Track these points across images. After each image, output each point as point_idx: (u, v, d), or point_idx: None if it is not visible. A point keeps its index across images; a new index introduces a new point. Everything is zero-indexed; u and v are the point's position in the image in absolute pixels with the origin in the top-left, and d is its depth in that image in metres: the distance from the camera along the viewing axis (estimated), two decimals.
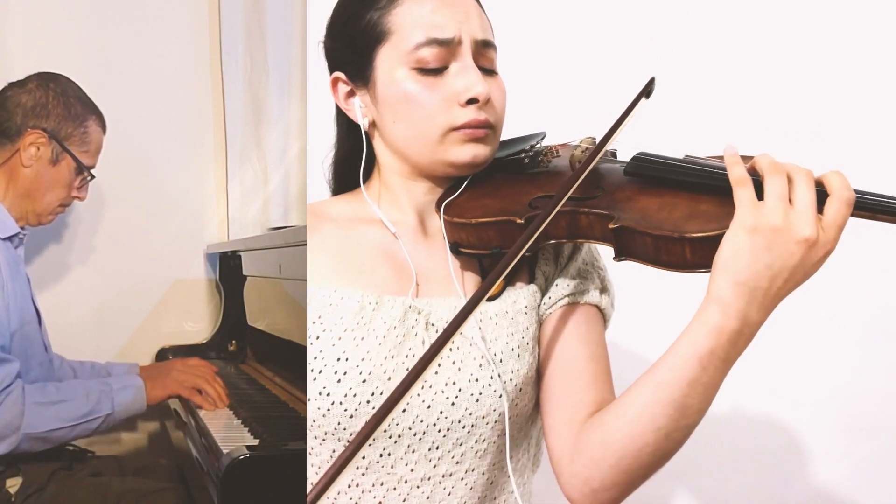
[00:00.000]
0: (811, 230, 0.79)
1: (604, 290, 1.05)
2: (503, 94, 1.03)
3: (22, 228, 1.71)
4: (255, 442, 1.37)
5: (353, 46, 1.02)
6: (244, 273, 2.10)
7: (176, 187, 2.27)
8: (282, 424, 1.48)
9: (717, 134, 1.73)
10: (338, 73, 1.04)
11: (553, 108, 1.70)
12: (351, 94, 1.04)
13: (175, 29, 2.25)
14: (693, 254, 0.85)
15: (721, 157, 0.90)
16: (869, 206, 0.84)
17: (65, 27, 2.15)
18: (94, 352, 1.96)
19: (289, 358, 1.71)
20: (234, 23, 2.25)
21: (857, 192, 0.83)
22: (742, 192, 0.82)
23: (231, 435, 1.43)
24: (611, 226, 0.89)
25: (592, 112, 1.75)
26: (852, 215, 0.83)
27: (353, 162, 1.08)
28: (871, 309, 1.87)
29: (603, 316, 1.05)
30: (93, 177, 1.79)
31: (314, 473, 0.98)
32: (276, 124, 2.26)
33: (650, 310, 1.69)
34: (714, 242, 0.82)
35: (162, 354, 2.17)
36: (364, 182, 1.07)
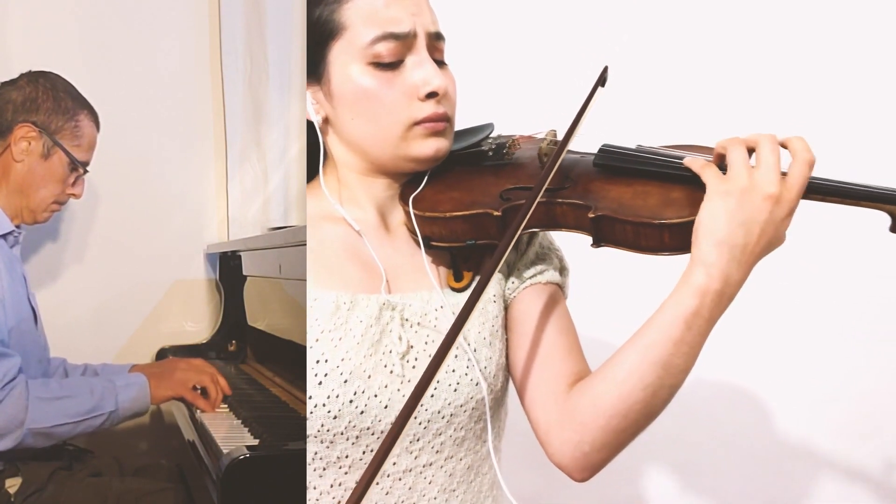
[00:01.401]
0: (775, 187, 0.87)
1: (562, 269, 1.09)
2: (455, 85, 1.04)
3: (17, 227, 1.71)
4: (255, 442, 1.37)
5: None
6: (244, 273, 2.10)
7: (176, 187, 2.27)
8: (282, 424, 1.48)
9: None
10: None
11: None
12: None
13: (175, 29, 2.25)
14: (671, 238, 0.91)
15: (672, 146, 0.98)
16: (820, 190, 0.92)
17: (65, 27, 2.15)
18: (93, 352, 1.96)
19: (289, 358, 1.71)
20: (234, 23, 2.26)
21: (812, 177, 0.90)
22: (708, 171, 0.90)
23: (231, 435, 1.43)
24: (590, 215, 0.93)
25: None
26: (808, 199, 0.91)
27: (314, 155, 1.07)
28: (871, 309, 1.87)
29: (563, 293, 1.09)
30: (86, 171, 1.79)
31: None
32: (276, 124, 2.26)
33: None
34: (690, 227, 0.89)
35: (162, 354, 2.17)
36: (318, 174, 1.07)
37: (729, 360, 1.86)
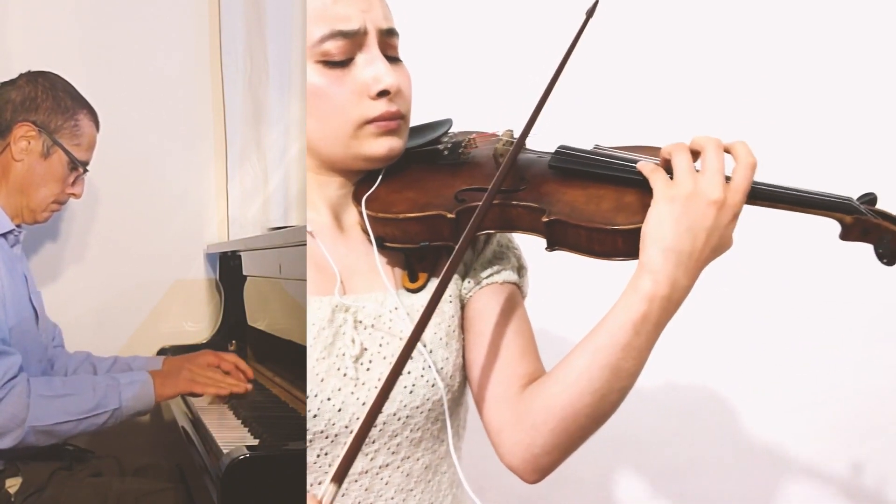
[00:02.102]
0: (719, 192, 0.87)
1: (520, 268, 1.09)
2: (409, 81, 1.03)
3: (17, 226, 1.71)
4: (255, 442, 1.37)
5: None
6: (244, 273, 2.10)
7: (176, 187, 2.27)
8: (282, 424, 1.49)
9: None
10: None
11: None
12: None
13: (175, 29, 2.25)
14: (624, 243, 0.91)
15: (628, 148, 0.99)
16: (766, 196, 0.93)
17: (65, 27, 2.15)
18: (93, 351, 1.96)
19: (289, 358, 1.71)
20: (234, 23, 2.25)
21: (758, 183, 0.92)
22: (656, 176, 0.90)
23: (231, 435, 1.43)
24: (544, 219, 0.93)
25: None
26: (756, 205, 0.93)
27: None
28: (871, 309, 1.87)
29: (521, 292, 1.09)
30: (86, 171, 1.79)
31: None
32: (276, 124, 2.25)
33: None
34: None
35: (162, 354, 2.17)
36: None
37: (710, 365, 1.87)
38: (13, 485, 1.53)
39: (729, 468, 1.93)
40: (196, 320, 2.30)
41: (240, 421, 1.55)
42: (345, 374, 0.96)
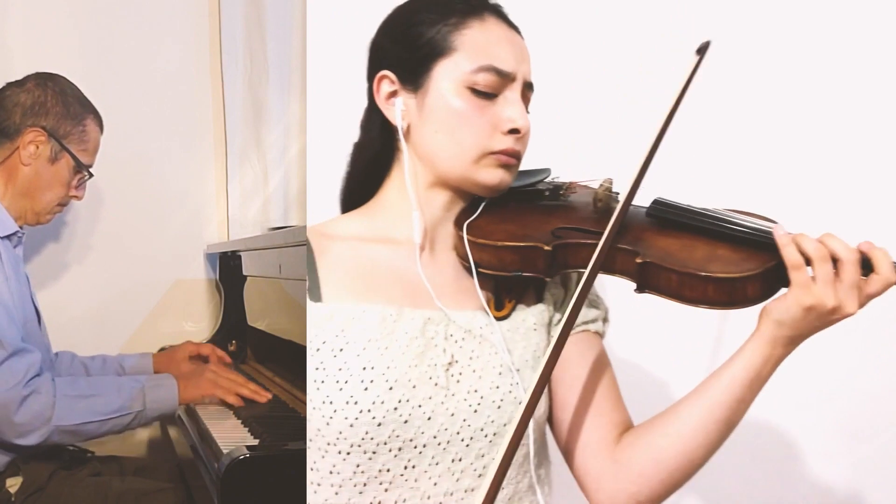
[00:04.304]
0: (855, 308, 0.93)
1: (606, 319, 1.13)
2: (530, 130, 1.09)
3: (20, 228, 1.71)
4: (255, 442, 1.37)
5: (412, 52, 1.04)
6: (244, 273, 2.10)
7: (176, 187, 2.27)
8: (282, 424, 1.49)
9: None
10: (386, 72, 1.06)
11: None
12: (393, 94, 1.06)
13: (175, 29, 2.26)
14: (715, 292, 0.94)
15: (734, 210, 1.02)
16: None
17: (65, 27, 2.15)
18: (93, 351, 1.96)
19: (289, 358, 1.71)
20: (234, 23, 2.26)
21: None
22: (798, 275, 0.93)
23: (231, 435, 1.43)
24: (637, 260, 0.97)
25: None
26: None
27: (378, 163, 1.10)
28: (872, 309, 1.87)
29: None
30: (91, 175, 1.79)
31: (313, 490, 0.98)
32: (276, 124, 2.26)
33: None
34: (734, 283, 0.93)
35: None
36: (377, 192, 1.10)
37: (708, 365, 1.84)
38: (13, 485, 1.53)
39: (727, 468, 1.92)
40: (196, 320, 2.30)
41: (240, 421, 1.55)
42: (436, 384, 0.98)
